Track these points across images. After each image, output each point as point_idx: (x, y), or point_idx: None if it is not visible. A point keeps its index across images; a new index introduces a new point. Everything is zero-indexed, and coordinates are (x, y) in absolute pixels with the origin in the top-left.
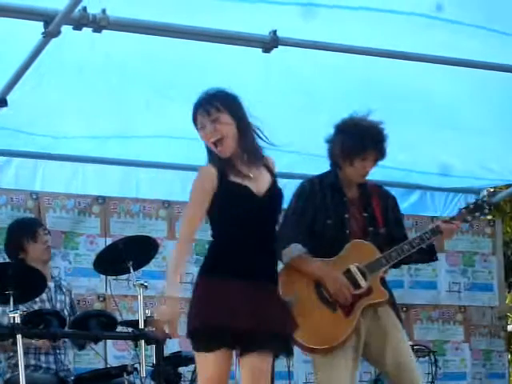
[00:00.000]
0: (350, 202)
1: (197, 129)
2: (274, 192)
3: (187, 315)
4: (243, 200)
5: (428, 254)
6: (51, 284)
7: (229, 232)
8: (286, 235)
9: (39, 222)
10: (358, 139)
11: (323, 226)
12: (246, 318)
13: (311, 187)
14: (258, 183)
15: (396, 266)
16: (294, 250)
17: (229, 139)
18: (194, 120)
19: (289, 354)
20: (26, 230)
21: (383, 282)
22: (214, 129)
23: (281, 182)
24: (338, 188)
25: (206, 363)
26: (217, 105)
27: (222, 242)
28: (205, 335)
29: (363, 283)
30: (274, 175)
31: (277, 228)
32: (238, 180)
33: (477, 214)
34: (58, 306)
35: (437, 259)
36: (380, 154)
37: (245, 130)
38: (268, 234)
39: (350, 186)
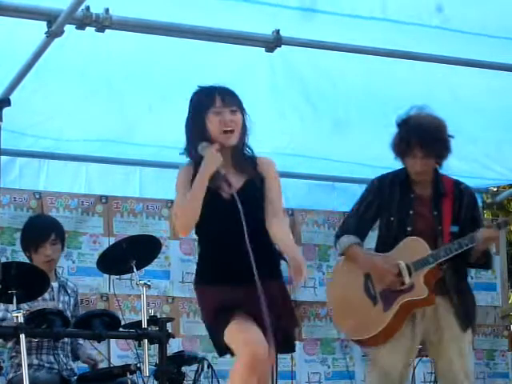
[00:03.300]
0: (420, 200)
1: (207, 108)
2: (248, 192)
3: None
4: (210, 202)
5: (484, 258)
6: (55, 284)
7: (205, 238)
8: (342, 228)
9: (51, 231)
10: (405, 135)
11: (386, 224)
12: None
13: (379, 184)
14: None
15: (461, 267)
16: (344, 241)
17: (238, 134)
18: (211, 100)
19: (288, 349)
20: (32, 237)
21: (462, 285)
22: (233, 120)
23: (282, 182)
24: (406, 185)
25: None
26: (236, 101)
27: (201, 250)
28: (219, 312)
29: (407, 280)
30: (257, 176)
31: (259, 225)
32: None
33: None
34: (61, 306)
35: (489, 268)
36: (428, 150)
37: (243, 133)
38: (243, 234)
39: (421, 184)
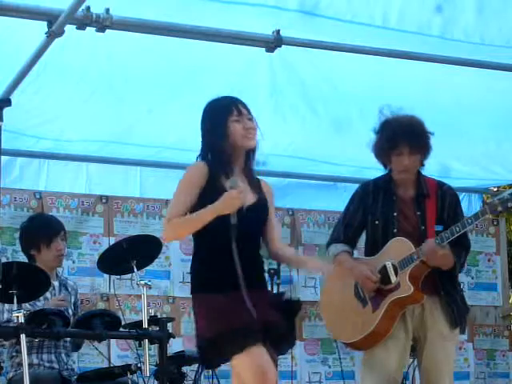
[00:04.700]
0: (403, 201)
1: (227, 116)
2: (259, 208)
3: (197, 332)
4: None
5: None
6: (56, 283)
7: (212, 242)
8: (331, 237)
9: (61, 227)
10: (390, 135)
11: (372, 227)
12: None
13: (363, 190)
14: (246, 195)
15: (454, 270)
16: (332, 250)
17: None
18: (229, 109)
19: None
20: (45, 232)
21: (451, 283)
22: (253, 127)
23: (283, 182)
24: (388, 188)
25: (246, 361)
26: (249, 111)
27: (207, 254)
28: (233, 336)
29: (393, 279)
30: (262, 195)
31: (259, 239)
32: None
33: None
34: None
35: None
36: (414, 146)
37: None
38: (249, 245)
39: (404, 186)
